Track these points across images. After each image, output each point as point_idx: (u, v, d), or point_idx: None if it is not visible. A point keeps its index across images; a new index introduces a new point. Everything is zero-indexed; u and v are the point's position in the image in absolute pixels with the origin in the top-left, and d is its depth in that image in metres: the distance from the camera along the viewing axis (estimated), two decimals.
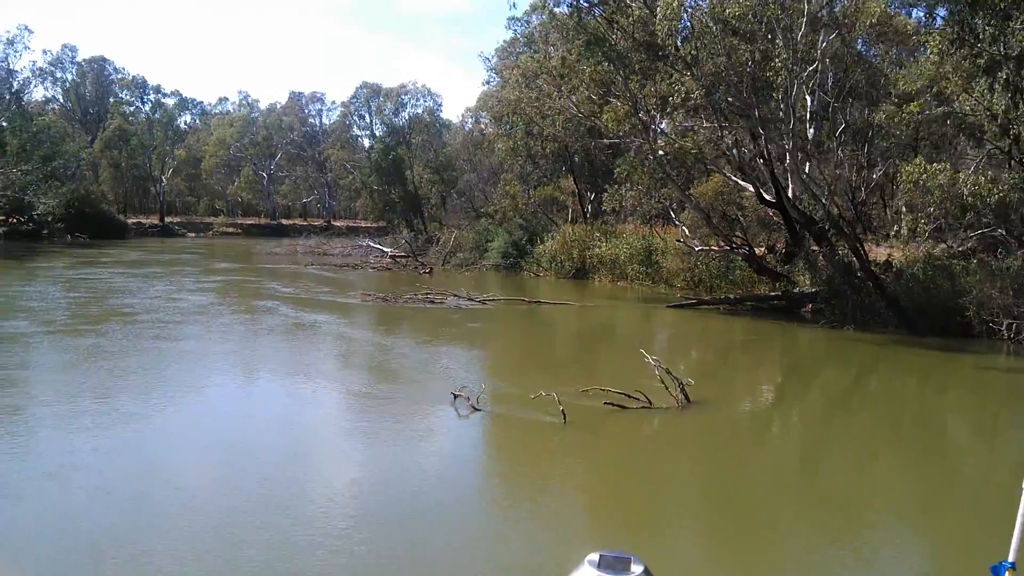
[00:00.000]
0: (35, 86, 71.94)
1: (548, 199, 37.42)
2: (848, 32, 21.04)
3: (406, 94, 54.48)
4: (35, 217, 56.39)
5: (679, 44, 19.59)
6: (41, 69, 77.26)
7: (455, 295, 22.55)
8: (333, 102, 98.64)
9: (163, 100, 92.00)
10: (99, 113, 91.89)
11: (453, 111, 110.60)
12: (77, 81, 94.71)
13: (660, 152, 22.27)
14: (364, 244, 46.73)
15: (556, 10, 22.97)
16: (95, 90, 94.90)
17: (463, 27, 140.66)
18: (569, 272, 32.83)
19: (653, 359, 11.36)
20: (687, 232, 24.63)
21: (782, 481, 8.81)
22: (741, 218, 24.54)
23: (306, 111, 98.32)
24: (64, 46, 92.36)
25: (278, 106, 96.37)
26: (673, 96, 20.98)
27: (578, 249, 32.91)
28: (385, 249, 42.15)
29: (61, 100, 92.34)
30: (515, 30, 59.67)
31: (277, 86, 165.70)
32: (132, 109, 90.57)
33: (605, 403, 10.60)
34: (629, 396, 10.76)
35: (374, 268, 37.06)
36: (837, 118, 23.12)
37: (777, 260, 24.89)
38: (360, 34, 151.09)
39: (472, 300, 22.82)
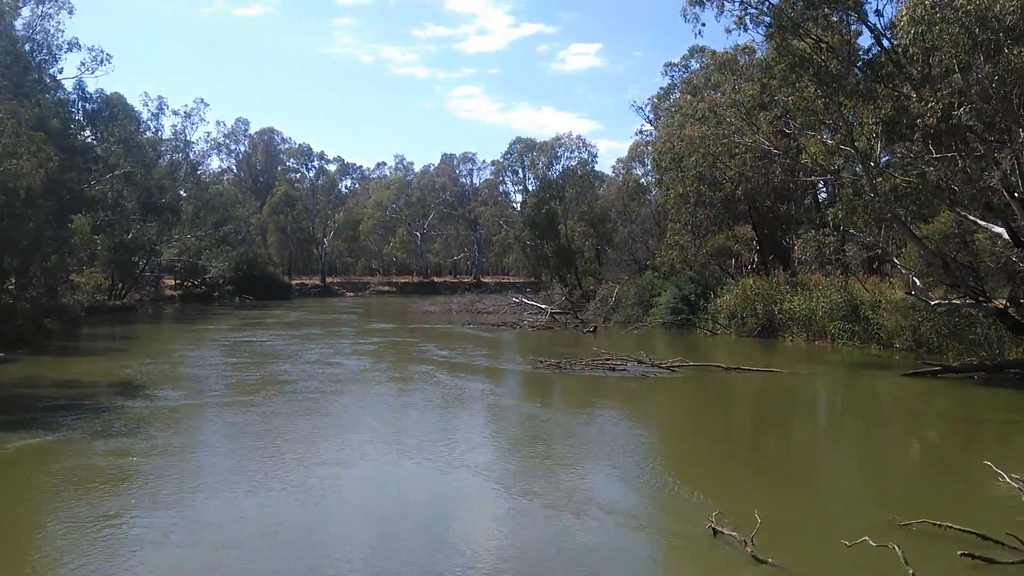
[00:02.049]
0: (211, 157, 76.67)
1: (721, 249, 33.79)
2: None
3: (560, 147, 52.83)
4: (207, 280, 59.02)
5: (923, 55, 15.95)
6: (216, 141, 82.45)
7: (638, 360, 19.41)
8: (484, 161, 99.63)
9: (326, 166, 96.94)
10: (268, 181, 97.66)
11: (598, 165, 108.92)
12: (249, 152, 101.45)
13: (882, 188, 18.44)
14: (518, 300, 44.76)
15: (753, 34, 19.81)
16: (265, 159, 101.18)
17: (601, 85, 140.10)
18: (754, 330, 28.92)
19: (1014, 478, 7.73)
20: (916, 282, 20.38)
21: None
22: (973, 265, 20.08)
23: (457, 171, 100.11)
24: (238, 120, 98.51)
25: (431, 168, 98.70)
26: (902, 119, 17.27)
27: (763, 304, 29.00)
28: (542, 306, 39.85)
29: (235, 170, 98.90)
30: (672, 76, 57.54)
31: (429, 151, 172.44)
32: (298, 176, 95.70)
33: (962, 554, 6.85)
34: (995, 541, 7.17)
35: (532, 327, 34.71)
36: None
37: None
38: (504, 100, 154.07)
39: (657, 366, 19.59)
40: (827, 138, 19.25)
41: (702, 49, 56.06)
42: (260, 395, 16.94)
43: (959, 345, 21.83)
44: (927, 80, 17.86)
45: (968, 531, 7.26)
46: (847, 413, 16.83)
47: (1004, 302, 19.80)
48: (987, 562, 6.77)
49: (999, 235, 19.40)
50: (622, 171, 60.37)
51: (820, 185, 38.28)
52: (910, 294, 20.91)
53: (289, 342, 29.57)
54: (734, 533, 7.47)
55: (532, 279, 67.47)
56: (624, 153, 77.27)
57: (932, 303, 20.20)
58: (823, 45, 18.65)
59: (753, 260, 35.35)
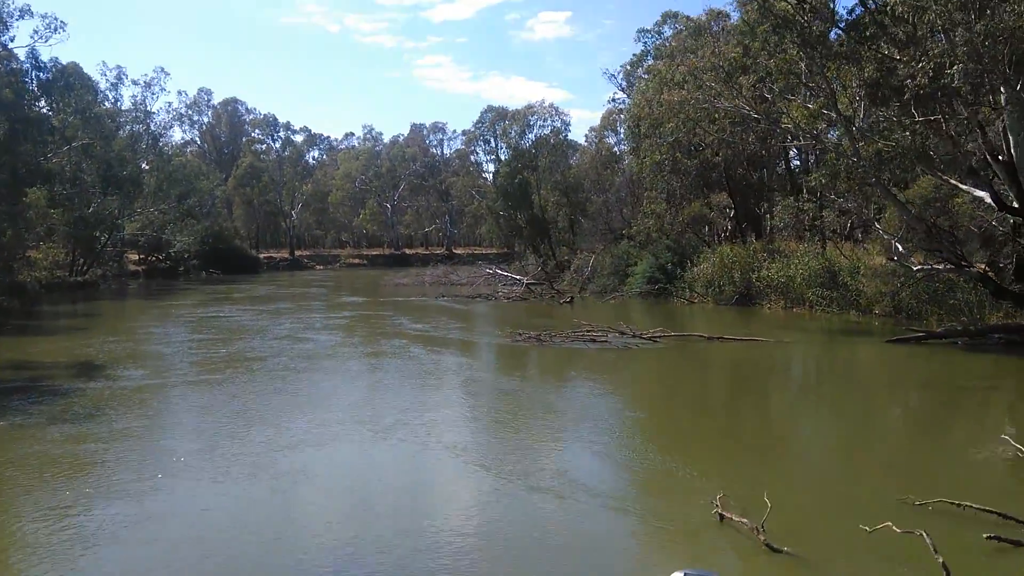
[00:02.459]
0: (173, 128, 74.42)
1: (697, 217, 33.40)
2: None
3: (533, 115, 51.96)
4: (172, 255, 57.53)
5: (912, 14, 15.43)
6: (179, 112, 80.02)
7: (619, 331, 18.93)
8: (455, 131, 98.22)
9: (292, 137, 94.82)
10: (233, 152, 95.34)
11: (570, 134, 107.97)
12: (212, 123, 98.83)
13: (866, 152, 18.04)
14: (491, 271, 44.10)
15: None
16: (229, 130, 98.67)
17: (570, 54, 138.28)
18: (731, 298, 28.66)
19: None
20: (898, 248, 20.10)
21: None
22: (953, 230, 19.88)
23: (427, 142, 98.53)
24: (200, 90, 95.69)
25: (401, 138, 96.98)
26: (888, 82, 16.83)
27: (740, 272, 28.72)
28: (517, 277, 39.26)
29: (198, 142, 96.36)
30: (645, 42, 56.68)
31: (399, 121, 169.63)
32: (264, 147, 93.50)
33: (988, 536, 6.33)
34: (1017, 521, 6.76)
35: (507, 298, 34.17)
36: None
37: (1010, 280, 20.02)
38: (473, 70, 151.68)
39: (639, 337, 19.16)
40: (809, 102, 18.75)
41: (675, 15, 55.40)
42: (227, 373, 16.24)
43: (939, 310, 21.70)
44: (912, 41, 17.43)
45: (989, 510, 6.86)
46: (836, 383, 16.55)
47: (984, 266, 19.65)
48: (1015, 545, 6.30)
49: (981, 200, 19.18)
50: (594, 140, 59.77)
51: (793, 152, 38.03)
52: (892, 259, 20.68)
53: (257, 317, 28.74)
54: (744, 520, 6.95)
55: (505, 250, 66.79)
56: (596, 122, 76.70)
57: (914, 268, 19.97)
58: (806, 6, 18.10)
59: (727, 228, 35.02)
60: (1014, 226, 20.41)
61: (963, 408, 13.49)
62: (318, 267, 78.61)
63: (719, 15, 46.00)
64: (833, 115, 18.32)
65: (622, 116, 58.40)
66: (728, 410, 13.76)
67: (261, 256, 78.51)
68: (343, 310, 31.95)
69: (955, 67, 15.62)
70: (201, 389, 14.73)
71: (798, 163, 40.99)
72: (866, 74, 17.53)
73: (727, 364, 17.65)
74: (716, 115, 21.46)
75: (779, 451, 10.63)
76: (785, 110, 19.15)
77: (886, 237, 20.61)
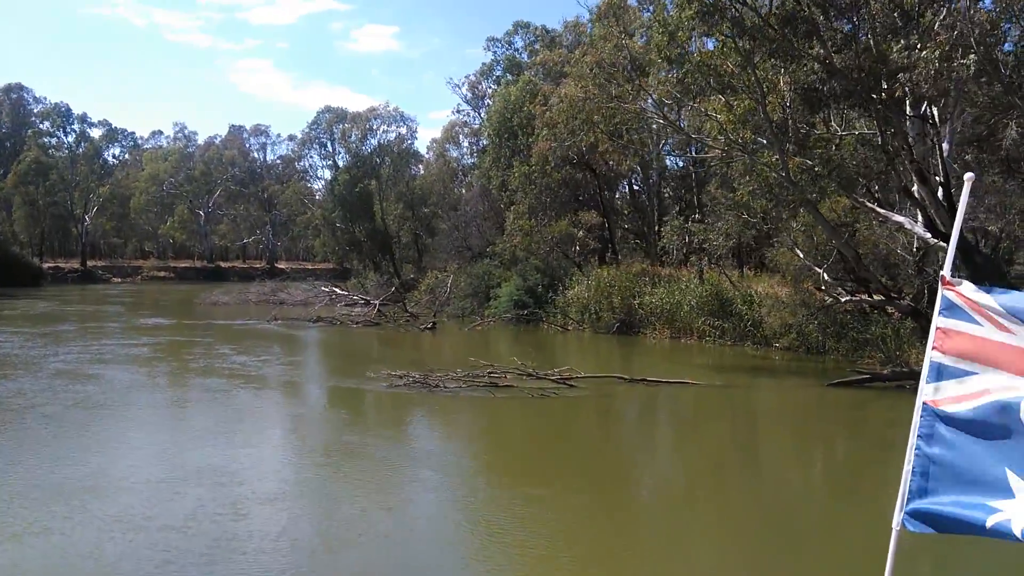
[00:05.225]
0: None
1: (566, 236, 30.53)
2: None
3: (376, 118, 47.29)
4: None
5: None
6: None
7: (529, 373, 14.84)
8: (279, 135, 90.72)
9: (89, 131, 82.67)
10: (15, 146, 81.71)
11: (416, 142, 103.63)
12: None
13: (801, 166, 15.64)
14: (328, 289, 38.85)
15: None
16: (11, 121, 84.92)
17: (397, 69, 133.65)
18: (611, 326, 25.83)
19: None
20: (825, 277, 17.99)
21: None
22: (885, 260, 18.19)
23: (248, 145, 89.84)
24: None
25: (218, 139, 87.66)
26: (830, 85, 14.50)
27: (620, 297, 26.03)
28: (365, 297, 34.38)
29: None
30: (495, 52, 54.06)
31: (215, 126, 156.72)
32: (53, 141, 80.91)
33: None
34: None
35: (355, 323, 29.36)
36: None
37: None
38: (296, 77, 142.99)
39: (546, 379, 15.15)
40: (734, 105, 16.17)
41: (527, 24, 53.43)
42: None
43: (845, 345, 19.98)
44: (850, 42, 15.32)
45: None
46: (826, 448, 13.34)
47: (907, 300, 17.93)
48: None
49: (901, 225, 17.47)
50: (433, 153, 56.21)
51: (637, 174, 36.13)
52: (820, 289, 18.57)
53: (30, 343, 22.17)
54: None
55: (334, 266, 61.11)
56: (435, 135, 72.62)
57: (842, 299, 17.94)
58: None
59: (596, 248, 32.46)
60: (923, 255, 19.09)
61: None
62: (115, 280, 68.71)
63: (575, 25, 44.43)
64: (762, 120, 15.80)
65: (465, 129, 55.56)
66: (748, 498, 10.33)
67: (45, 266, 67.35)
68: (146, 335, 25.75)
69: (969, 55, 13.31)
70: None
71: (639, 186, 39.70)
72: (802, 75, 15.16)
73: (676, 420, 14.35)
74: (615, 118, 18.54)
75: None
76: (709, 112, 16.46)
77: (806, 264, 18.49)
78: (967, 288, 2.89)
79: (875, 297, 17.32)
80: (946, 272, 2.98)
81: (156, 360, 20.29)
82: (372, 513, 8.38)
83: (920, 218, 16.48)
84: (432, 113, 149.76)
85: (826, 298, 18.29)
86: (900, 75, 14.16)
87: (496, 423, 13.70)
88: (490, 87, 51.42)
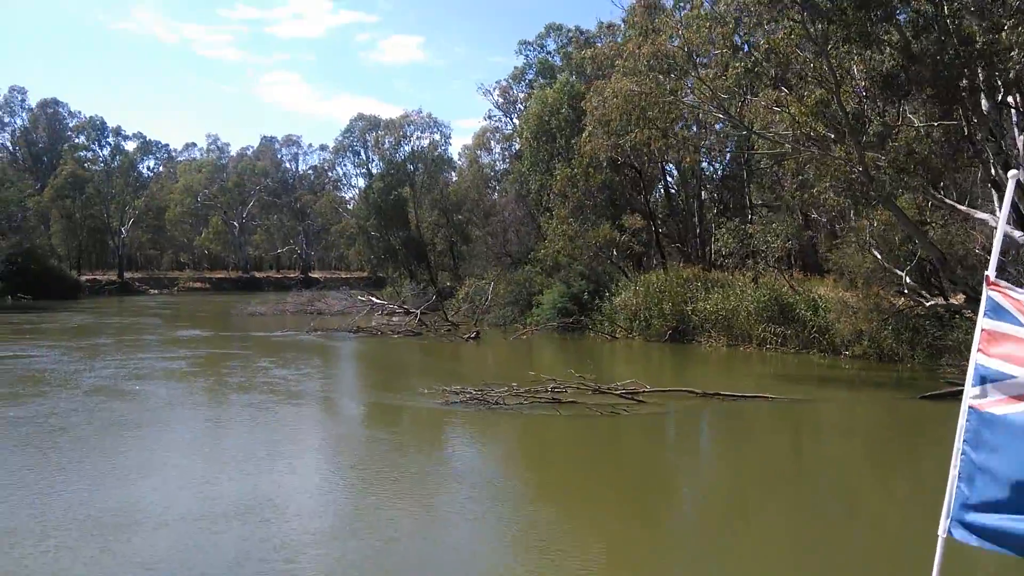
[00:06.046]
0: None
1: (610, 241, 29.33)
2: None
3: (409, 125, 46.55)
4: None
5: None
6: None
7: (593, 388, 13.77)
8: (310, 145, 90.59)
9: (124, 144, 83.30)
10: (52, 160, 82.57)
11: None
12: (28, 127, 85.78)
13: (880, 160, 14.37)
14: (364, 299, 38.07)
15: None
16: (48, 135, 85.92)
17: (423, 79, 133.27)
18: (663, 334, 24.63)
19: None
20: (908, 280, 16.65)
21: None
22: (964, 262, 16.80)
23: (280, 156, 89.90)
24: (12, 88, 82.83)
25: (250, 151, 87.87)
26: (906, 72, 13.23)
27: (671, 303, 24.82)
28: (405, 307, 33.51)
29: (10, 148, 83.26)
30: (527, 55, 53.11)
31: (245, 138, 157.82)
32: (89, 155, 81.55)
33: None
34: None
35: (396, 333, 28.48)
36: None
37: None
38: (323, 89, 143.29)
39: (610, 393, 14.03)
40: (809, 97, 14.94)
41: (559, 27, 52.43)
42: None
43: (922, 353, 18.60)
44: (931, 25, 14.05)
45: None
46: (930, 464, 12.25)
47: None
48: None
49: (986, 223, 16.10)
50: (467, 159, 55.34)
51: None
52: (903, 294, 17.23)
53: (66, 358, 21.62)
54: None
55: (368, 275, 60.49)
56: (456, 148, 71.81)
57: (927, 303, 16.59)
58: None
59: (628, 252, 31.08)
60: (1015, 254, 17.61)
61: None
62: (152, 291, 68.90)
63: (609, 27, 43.28)
64: (836, 111, 14.56)
65: (497, 135, 54.61)
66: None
67: (83, 279, 67.76)
68: (181, 348, 25.13)
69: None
70: None
71: (675, 189, 38.37)
72: (884, 61, 13.91)
73: (770, 441, 13.12)
74: (671, 113, 17.41)
75: None
76: (777, 105, 15.26)
77: (881, 266, 17.13)
78: (1013, 290, 2.84)
79: (959, 300, 15.95)
80: (991, 273, 2.90)
81: (194, 375, 19.56)
82: (437, 556, 7.36)
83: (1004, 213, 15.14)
84: (457, 121, 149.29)
85: (903, 302, 16.92)
86: (993, 59, 12.92)
87: (574, 448, 12.43)
88: (522, 91, 50.55)
